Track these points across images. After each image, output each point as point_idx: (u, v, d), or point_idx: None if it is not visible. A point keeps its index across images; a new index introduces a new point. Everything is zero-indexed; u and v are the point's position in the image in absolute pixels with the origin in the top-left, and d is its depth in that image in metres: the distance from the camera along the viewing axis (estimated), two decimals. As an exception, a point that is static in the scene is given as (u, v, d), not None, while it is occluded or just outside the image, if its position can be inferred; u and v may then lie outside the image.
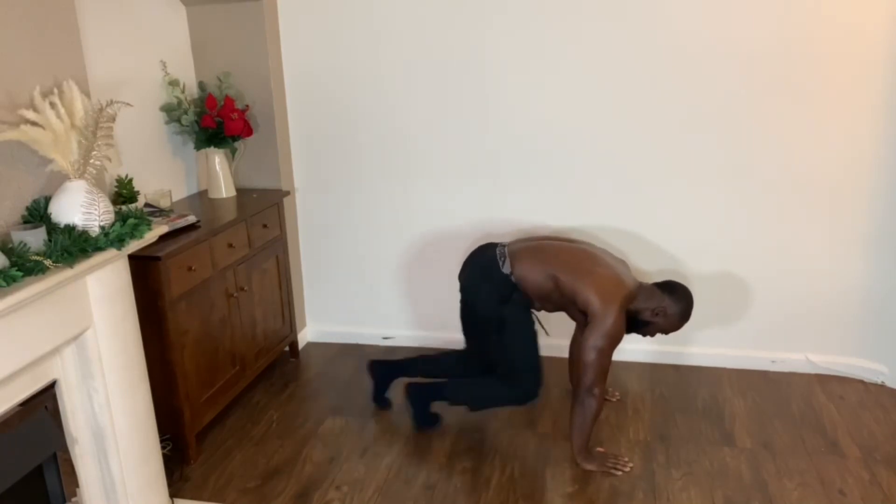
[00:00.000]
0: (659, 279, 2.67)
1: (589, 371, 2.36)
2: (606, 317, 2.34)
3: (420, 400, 2.74)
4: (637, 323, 2.53)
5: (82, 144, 1.83)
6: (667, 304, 2.49)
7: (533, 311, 2.59)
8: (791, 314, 3.09)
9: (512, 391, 2.57)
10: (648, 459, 2.55)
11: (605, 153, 3.03)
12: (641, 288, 2.50)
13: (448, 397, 2.70)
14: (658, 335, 2.68)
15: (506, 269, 2.48)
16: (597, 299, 2.36)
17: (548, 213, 3.16)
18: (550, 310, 2.61)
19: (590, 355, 2.35)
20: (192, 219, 2.61)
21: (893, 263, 2.92)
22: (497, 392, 2.62)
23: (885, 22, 2.67)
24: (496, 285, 2.50)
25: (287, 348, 3.39)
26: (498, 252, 2.54)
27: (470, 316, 2.65)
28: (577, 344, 2.78)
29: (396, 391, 2.96)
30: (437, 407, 2.76)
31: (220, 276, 2.69)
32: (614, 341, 2.37)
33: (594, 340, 2.35)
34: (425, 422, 2.77)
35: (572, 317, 2.65)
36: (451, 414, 2.85)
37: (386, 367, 2.93)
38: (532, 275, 2.47)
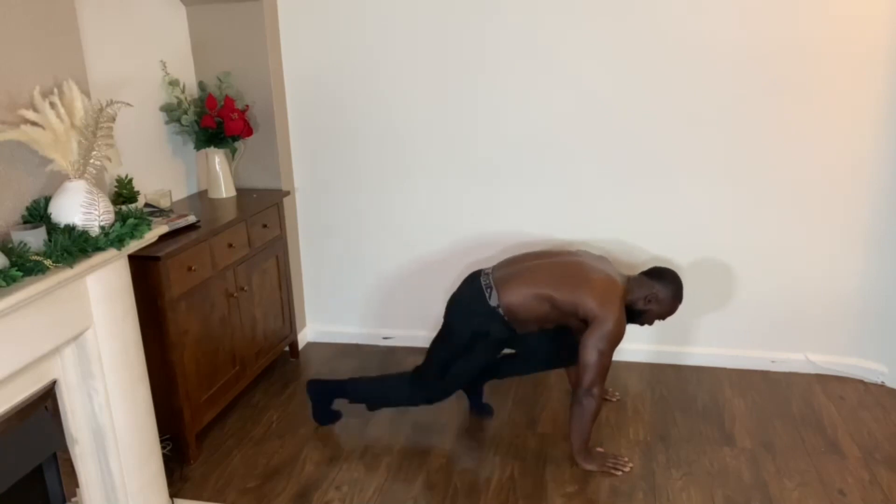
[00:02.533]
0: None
1: (589, 371, 2.36)
2: (608, 318, 2.35)
3: (320, 396, 2.78)
4: (633, 314, 2.52)
5: (82, 144, 1.83)
6: (657, 290, 2.49)
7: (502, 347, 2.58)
8: (791, 314, 3.09)
9: (416, 392, 2.62)
10: (648, 459, 2.55)
11: (604, 153, 3.03)
12: (630, 280, 2.52)
13: (348, 395, 2.73)
14: (660, 327, 2.66)
15: (493, 302, 2.45)
16: (597, 305, 2.36)
17: (546, 214, 3.16)
18: (549, 327, 2.59)
19: (591, 356, 2.35)
20: (192, 219, 2.61)
21: (893, 263, 2.92)
22: (399, 392, 2.65)
23: (886, 22, 2.67)
24: (479, 318, 2.47)
25: (287, 348, 3.39)
26: (483, 283, 2.49)
27: (441, 339, 2.61)
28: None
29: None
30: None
31: (220, 276, 2.69)
32: (615, 341, 2.38)
33: (595, 341, 2.35)
34: (324, 418, 2.81)
35: (572, 326, 2.64)
36: (450, 414, 2.85)
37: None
38: (523, 301, 2.44)
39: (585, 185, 3.09)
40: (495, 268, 2.57)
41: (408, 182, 3.26)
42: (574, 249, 2.67)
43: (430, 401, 2.65)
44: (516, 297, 2.44)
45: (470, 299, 2.51)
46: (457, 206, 3.24)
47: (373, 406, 2.76)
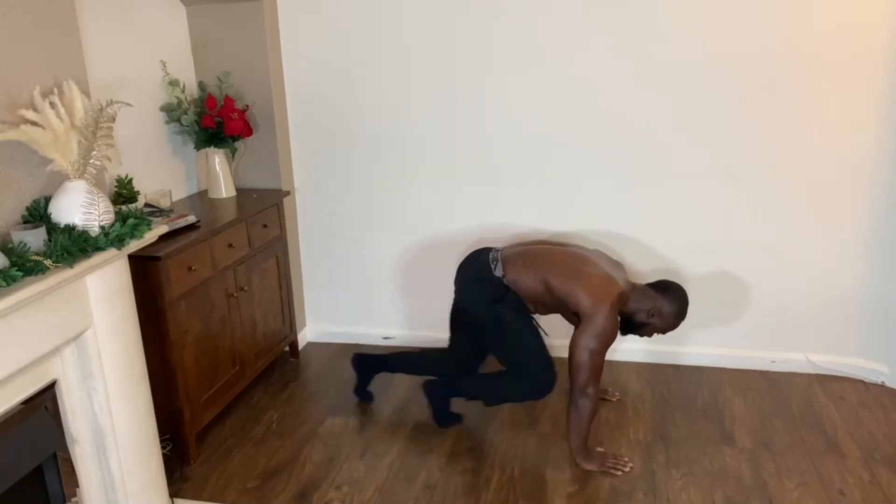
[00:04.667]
0: (655, 279, 2.67)
1: (582, 371, 2.36)
2: (597, 316, 2.34)
3: (439, 398, 2.75)
4: (633, 325, 2.54)
5: (82, 144, 1.83)
6: (661, 305, 2.49)
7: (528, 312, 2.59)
8: (791, 314, 3.09)
9: (526, 388, 2.56)
10: (648, 459, 2.55)
11: (603, 154, 3.03)
12: (635, 289, 2.51)
13: (464, 393, 2.71)
14: (656, 335, 2.68)
15: (498, 273, 2.50)
16: (587, 299, 2.36)
17: (546, 215, 3.16)
18: (544, 312, 2.61)
19: (582, 356, 2.35)
20: (192, 219, 2.61)
21: (893, 263, 2.92)
22: (512, 389, 2.60)
23: (886, 22, 2.67)
24: (488, 286, 2.52)
25: (287, 348, 3.39)
26: (491, 257, 2.56)
27: (461, 316, 2.67)
28: None
29: (378, 385, 3.04)
30: (457, 405, 2.79)
31: (220, 276, 2.69)
32: (606, 341, 2.37)
33: (585, 341, 2.35)
34: (446, 420, 2.77)
35: (567, 319, 2.65)
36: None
37: (370, 361, 2.96)
38: (525, 279, 2.48)
39: (586, 185, 3.08)
40: (505, 247, 2.63)
41: (407, 182, 3.26)
42: (589, 248, 2.68)
43: (542, 391, 2.54)
44: (518, 274, 2.49)
45: (477, 269, 2.56)
46: (457, 207, 3.24)
47: (490, 403, 2.73)
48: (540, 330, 2.58)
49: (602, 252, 2.67)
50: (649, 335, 2.58)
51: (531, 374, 2.53)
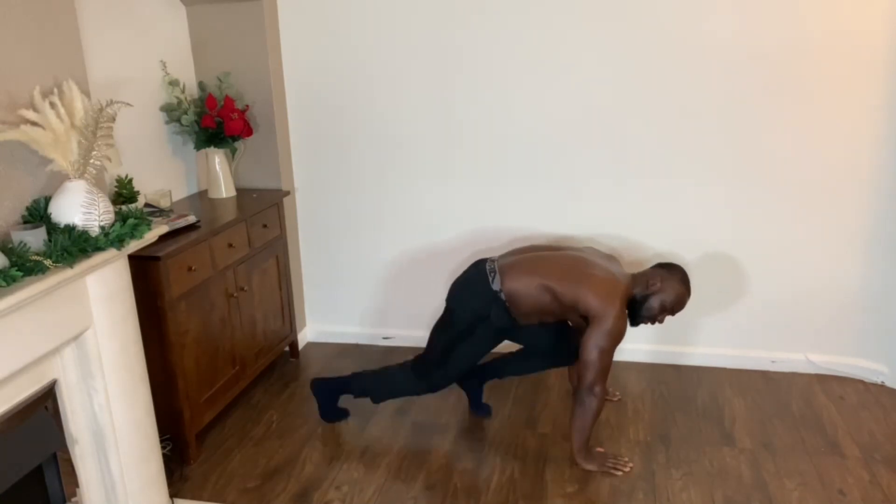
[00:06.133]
0: None
1: (590, 370, 2.36)
2: (608, 316, 2.35)
3: (326, 394, 2.80)
4: (639, 308, 2.48)
5: (82, 144, 1.83)
6: (661, 274, 2.49)
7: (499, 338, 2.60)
8: (791, 314, 3.09)
9: (419, 382, 2.64)
10: (648, 459, 2.55)
11: (603, 154, 3.03)
12: (635, 276, 2.53)
13: (353, 390, 2.75)
14: (660, 326, 2.61)
15: (495, 286, 2.48)
16: (597, 301, 2.36)
17: (545, 214, 3.16)
18: (550, 320, 2.59)
19: (592, 354, 2.35)
20: (192, 219, 2.61)
21: (893, 263, 2.92)
22: (402, 383, 2.68)
23: (886, 22, 2.67)
24: (480, 300, 2.50)
25: (287, 348, 3.39)
26: (488, 267, 2.53)
27: (442, 323, 2.62)
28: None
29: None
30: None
31: (220, 276, 2.69)
32: (616, 340, 2.38)
33: (596, 339, 2.35)
34: (332, 416, 2.83)
35: (572, 322, 2.65)
36: (450, 414, 2.85)
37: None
38: (525, 289, 2.46)
39: (585, 185, 3.08)
40: (501, 256, 2.61)
41: (407, 182, 3.26)
42: (581, 247, 2.68)
43: (432, 388, 2.65)
44: (519, 285, 2.46)
45: (473, 281, 2.54)
46: (456, 206, 3.24)
47: (377, 399, 2.76)
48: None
49: (594, 249, 2.66)
50: (657, 312, 2.49)
51: (438, 375, 2.60)
